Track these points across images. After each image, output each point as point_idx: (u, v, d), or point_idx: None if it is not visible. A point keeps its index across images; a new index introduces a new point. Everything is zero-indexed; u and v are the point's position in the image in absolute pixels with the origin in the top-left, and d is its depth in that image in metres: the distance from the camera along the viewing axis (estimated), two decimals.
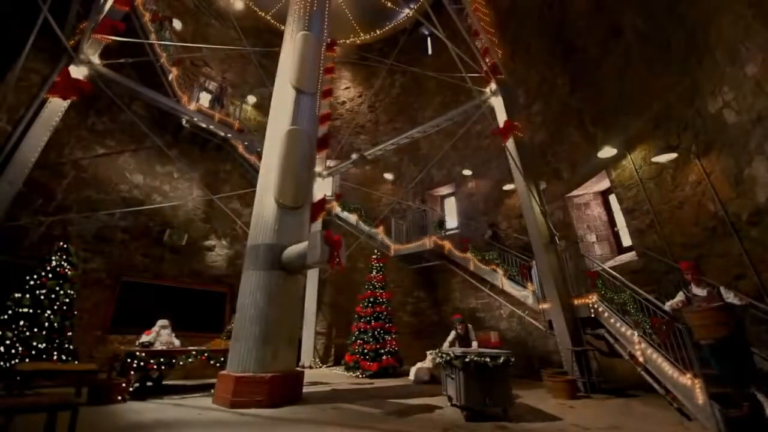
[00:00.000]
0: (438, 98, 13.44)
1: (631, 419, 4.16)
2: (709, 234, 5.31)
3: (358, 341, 8.88)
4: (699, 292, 4.12)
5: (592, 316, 6.17)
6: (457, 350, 4.49)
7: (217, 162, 11.30)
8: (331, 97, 13.72)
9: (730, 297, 3.85)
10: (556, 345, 6.81)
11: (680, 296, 4.30)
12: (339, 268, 5.31)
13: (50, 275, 6.24)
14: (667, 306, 4.40)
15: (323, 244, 5.17)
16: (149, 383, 6.38)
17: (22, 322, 5.77)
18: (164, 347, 6.07)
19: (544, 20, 9.71)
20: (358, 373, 8.53)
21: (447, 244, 9.60)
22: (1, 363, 5.42)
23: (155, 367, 5.68)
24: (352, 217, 11.66)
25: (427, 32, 14.59)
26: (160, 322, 6.48)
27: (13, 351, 5.55)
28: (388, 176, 13.48)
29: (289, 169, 6.39)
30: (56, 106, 6.55)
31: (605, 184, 8.01)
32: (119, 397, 5.06)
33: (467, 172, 11.53)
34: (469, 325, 5.78)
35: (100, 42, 7.22)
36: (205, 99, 11.33)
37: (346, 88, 15.38)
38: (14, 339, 5.64)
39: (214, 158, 11.26)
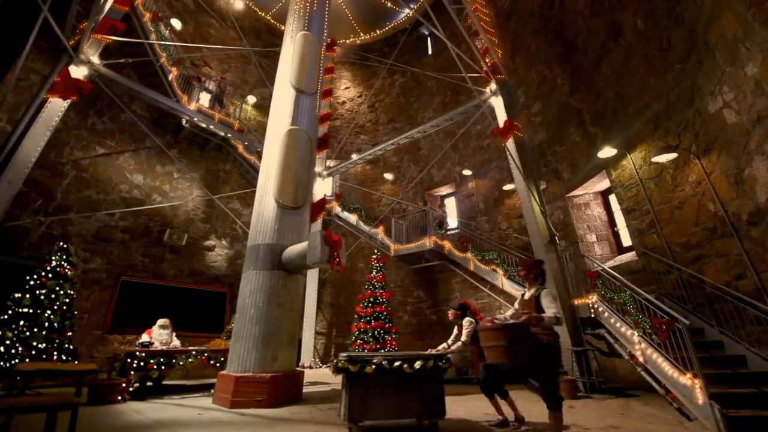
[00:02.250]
0: (438, 98, 13.44)
1: (631, 419, 4.15)
2: (709, 234, 5.31)
3: (358, 341, 8.88)
4: (528, 296, 3.26)
5: (592, 316, 6.17)
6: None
7: (217, 162, 11.31)
8: (331, 97, 13.72)
9: (549, 307, 2.95)
10: None
11: (515, 306, 3.40)
12: (339, 268, 5.31)
13: (50, 275, 6.24)
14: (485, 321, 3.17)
15: (323, 244, 5.17)
16: (149, 383, 6.38)
17: (22, 322, 5.77)
18: (164, 347, 6.07)
19: (544, 20, 9.71)
20: None
21: (447, 244, 9.60)
22: (1, 363, 5.42)
23: (155, 367, 5.68)
24: (352, 217, 11.66)
25: (427, 32, 14.60)
26: (160, 322, 6.48)
27: (13, 351, 5.55)
28: (388, 176, 13.48)
29: (289, 169, 6.39)
30: (56, 106, 6.54)
31: (605, 184, 8.01)
32: (119, 397, 5.06)
33: (467, 172, 11.53)
34: (468, 318, 4.35)
35: (100, 42, 7.22)
36: (205, 99, 11.33)
37: (346, 88, 15.39)
38: (14, 339, 5.64)
39: (214, 158, 11.27)
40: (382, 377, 3.37)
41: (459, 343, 4.14)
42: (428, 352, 3.91)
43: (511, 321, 3.01)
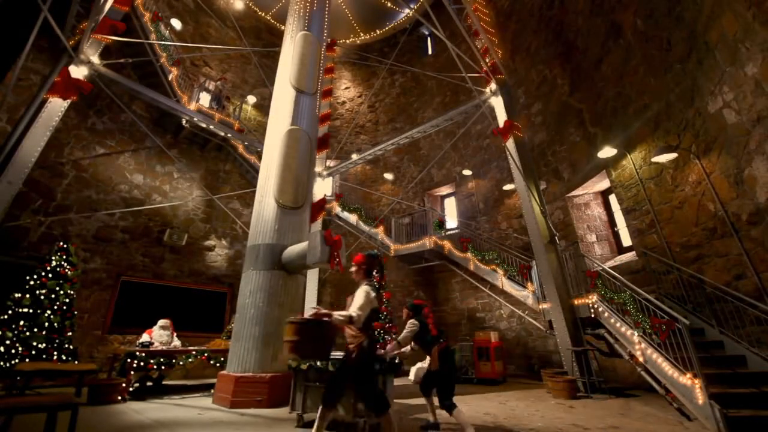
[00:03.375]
0: (438, 98, 13.44)
1: (631, 419, 4.15)
2: (709, 234, 5.31)
3: None
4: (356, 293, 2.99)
5: (592, 316, 6.17)
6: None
7: (217, 162, 11.31)
8: (330, 97, 13.70)
9: (353, 305, 2.76)
10: (556, 345, 6.81)
11: None
12: (339, 268, 5.31)
13: (50, 275, 6.24)
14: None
15: (323, 244, 5.17)
16: (149, 383, 6.38)
17: (22, 322, 5.77)
18: (164, 347, 6.07)
19: (544, 20, 9.71)
20: None
21: (447, 244, 9.60)
22: (1, 363, 5.42)
23: (155, 367, 5.68)
24: (352, 217, 11.65)
25: (427, 32, 14.59)
26: (161, 323, 6.48)
27: (13, 351, 5.56)
28: (388, 176, 13.48)
29: (289, 169, 6.39)
30: (56, 106, 6.54)
31: (605, 184, 8.01)
32: (119, 397, 5.07)
33: (467, 172, 11.53)
34: (414, 320, 3.87)
35: (100, 42, 7.22)
36: (205, 99, 11.31)
37: (346, 88, 15.38)
38: (14, 339, 5.64)
39: (214, 158, 11.26)
40: (318, 375, 3.75)
41: (394, 344, 3.72)
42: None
43: (302, 318, 2.92)
